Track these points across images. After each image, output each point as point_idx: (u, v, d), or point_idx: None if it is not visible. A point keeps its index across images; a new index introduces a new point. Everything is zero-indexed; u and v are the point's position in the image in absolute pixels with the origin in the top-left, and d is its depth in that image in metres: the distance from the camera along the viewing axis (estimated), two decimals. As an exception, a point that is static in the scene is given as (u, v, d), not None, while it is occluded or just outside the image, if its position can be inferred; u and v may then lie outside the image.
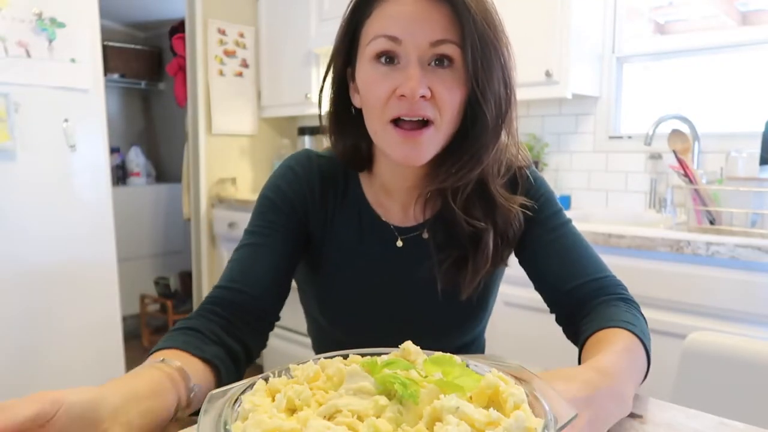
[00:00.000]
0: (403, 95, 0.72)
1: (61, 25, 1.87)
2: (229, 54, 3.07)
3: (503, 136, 0.78)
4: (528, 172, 0.87)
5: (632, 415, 0.63)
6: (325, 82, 0.86)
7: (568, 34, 2.02)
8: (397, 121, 0.74)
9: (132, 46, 4.03)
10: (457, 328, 0.90)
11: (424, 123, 0.74)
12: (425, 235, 0.86)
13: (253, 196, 2.94)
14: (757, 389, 0.86)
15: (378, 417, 0.46)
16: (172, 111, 4.02)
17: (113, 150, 3.73)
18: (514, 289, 1.68)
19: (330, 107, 0.86)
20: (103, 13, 2.11)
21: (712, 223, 1.73)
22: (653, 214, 2.11)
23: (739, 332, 1.43)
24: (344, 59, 0.81)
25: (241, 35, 3.11)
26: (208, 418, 0.47)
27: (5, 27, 1.76)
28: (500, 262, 0.85)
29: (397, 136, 0.74)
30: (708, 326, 1.47)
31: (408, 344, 0.57)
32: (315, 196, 0.86)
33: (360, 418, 0.46)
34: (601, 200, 2.28)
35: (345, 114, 0.85)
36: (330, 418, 0.47)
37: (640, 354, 0.71)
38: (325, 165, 0.89)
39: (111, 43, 3.79)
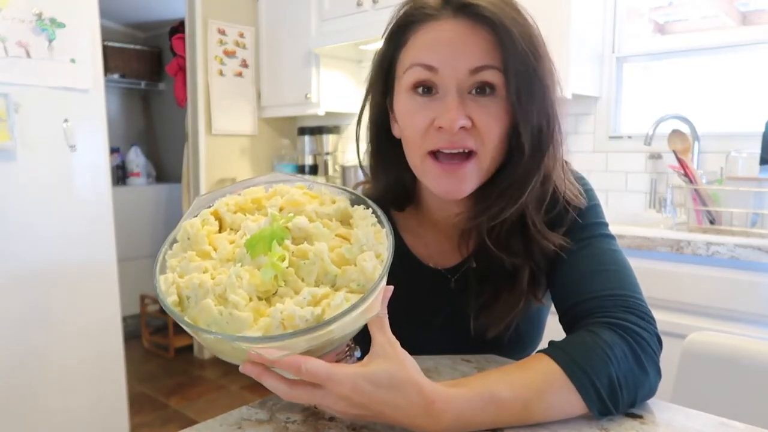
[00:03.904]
0: (441, 127, 0.68)
1: (61, 25, 1.87)
2: (229, 54, 3.07)
3: (545, 171, 0.73)
4: (576, 211, 0.78)
5: (632, 416, 0.62)
6: (362, 116, 0.82)
7: (568, 34, 2.02)
8: (436, 154, 0.71)
9: (132, 46, 4.03)
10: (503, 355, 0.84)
11: (466, 154, 0.71)
12: (474, 264, 0.82)
13: (253, 196, 2.92)
14: (758, 389, 0.86)
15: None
16: (172, 111, 4.02)
17: (113, 150, 3.73)
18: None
19: (370, 141, 0.82)
20: (103, 13, 2.11)
21: (712, 223, 1.73)
22: (653, 214, 2.11)
23: (739, 332, 1.43)
24: (382, 89, 0.78)
25: (241, 35, 3.11)
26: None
27: (5, 27, 1.76)
28: (534, 301, 0.79)
29: (437, 169, 0.71)
30: (708, 326, 1.47)
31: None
32: None
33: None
34: (601, 200, 2.26)
35: (387, 146, 0.80)
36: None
37: (540, 396, 0.59)
38: None
39: (111, 43, 3.79)
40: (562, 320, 0.76)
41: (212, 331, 0.51)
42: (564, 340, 0.66)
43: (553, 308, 0.82)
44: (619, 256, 0.76)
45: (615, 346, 0.63)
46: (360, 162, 0.85)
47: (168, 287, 0.55)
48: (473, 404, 0.57)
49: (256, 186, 0.65)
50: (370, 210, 0.62)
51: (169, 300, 0.54)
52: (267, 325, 0.50)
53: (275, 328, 0.50)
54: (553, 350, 0.64)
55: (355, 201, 0.64)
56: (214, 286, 0.53)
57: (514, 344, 0.83)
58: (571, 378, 0.60)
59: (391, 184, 0.82)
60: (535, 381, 0.60)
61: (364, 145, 0.83)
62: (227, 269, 0.55)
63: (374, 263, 0.55)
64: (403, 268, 0.80)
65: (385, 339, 0.56)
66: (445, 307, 0.84)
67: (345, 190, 0.66)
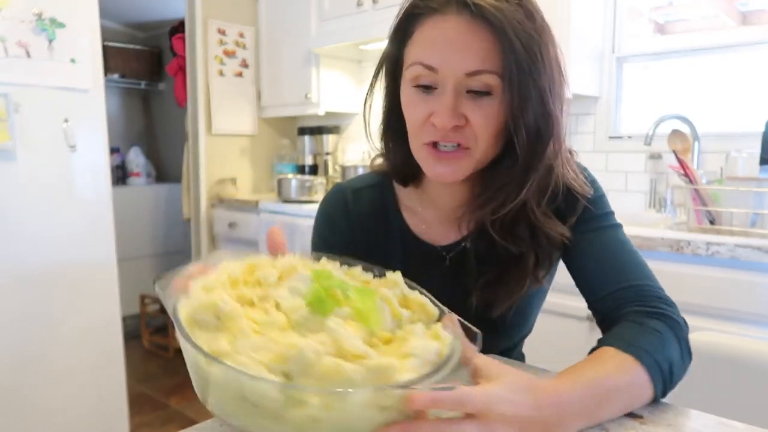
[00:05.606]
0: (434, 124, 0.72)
1: (61, 25, 1.87)
2: (229, 54, 3.07)
3: (547, 164, 0.75)
4: (585, 198, 0.82)
5: (632, 415, 0.63)
6: (370, 94, 0.85)
7: (568, 33, 2.02)
8: (434, 143, 0.74)
9: (132, 46, 4.03)
10: (493, 339, 0.85)
11: (460, 146, 0.74)
12: (468, 245, 0.85)
13: (253, 197, 2.94)
14: (758, 389, 0.86)
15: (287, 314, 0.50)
16: (172, 111, 4.02)
17: (113, 150, 3.73)
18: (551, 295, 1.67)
19: (384, 117, 0.85)
20: (103, 13, 2.11)
21: (712, 223, 1.73)
22: (653, 214, 2.11)
23: (739, 332, 1.43)
24: (392, 76, 0.81)
25: (241, 35, 3.11)
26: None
27: (5, 27, 1.76)
28: (535, 282, 0.82)
29: (432, 155, 0.75)
30: (708, 326, 1.47)
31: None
32: (357, 236, 0.87)
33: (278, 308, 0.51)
34: (601, 200, 2.27)
35: (398, 124, 0.82)
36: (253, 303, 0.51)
37: (626, 387, 0.62)
38: (363, 199, 0.89)
39: (111, 43, 3.79)
40: (595, 305, 0.79)
41: (356, 390, 0.43)
42: (622, 333, 0.68)
43: (550, 294, 0.86)
44: (630, 243, 0.82)
45: (666, 332, 0.68)
46: (368, 134, 0.86)
47: (257, 373, 0.44)
48: (577, 395, 0.58)
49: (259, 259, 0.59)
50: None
51: (274, 380, 0.44)
52: (416, 364, 0.45)
53: (423, 366, 0.45)
54: (620, 344, 0.65)
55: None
56: (317, 349, 0.45)
57: (513, 324, 0.86)
58: (649, 369, 0.63)
59: (400, 161, 0.85)
60: (614, 374, 0.62)
61: (373, 126, 0.86)
62: (288, 336, 0.47)
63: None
64: (395, 242, 0.86)
65: (485, 358, 0.55)
66: (441, 285, 0.84)
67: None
